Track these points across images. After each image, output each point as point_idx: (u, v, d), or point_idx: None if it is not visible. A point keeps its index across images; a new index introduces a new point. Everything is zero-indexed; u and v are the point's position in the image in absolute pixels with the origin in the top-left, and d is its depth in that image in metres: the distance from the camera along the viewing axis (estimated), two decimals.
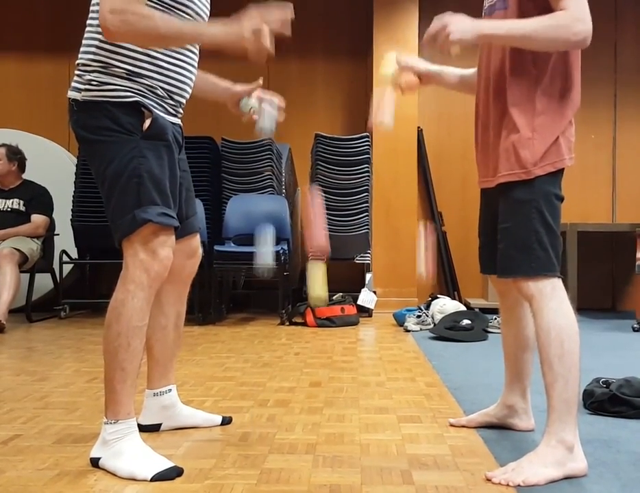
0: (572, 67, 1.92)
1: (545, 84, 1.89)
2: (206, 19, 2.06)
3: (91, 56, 1.89)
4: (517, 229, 1.90)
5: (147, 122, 1.88)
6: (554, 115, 1.89)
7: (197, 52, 2.08)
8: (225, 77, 2.33)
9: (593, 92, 6.15)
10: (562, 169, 1.92)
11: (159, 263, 1.88)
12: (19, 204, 5.30)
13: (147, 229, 1.87)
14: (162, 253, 1.89)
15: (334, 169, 5.66)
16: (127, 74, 1.88)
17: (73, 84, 1.92)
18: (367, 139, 5.72)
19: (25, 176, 5.42)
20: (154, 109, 1.91)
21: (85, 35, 1.92)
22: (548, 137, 1.88)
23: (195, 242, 2.23)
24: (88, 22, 1.92)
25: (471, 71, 2.22)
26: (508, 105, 1.92)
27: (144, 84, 1.90)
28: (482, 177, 2.07)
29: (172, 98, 1.99)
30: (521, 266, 1.89)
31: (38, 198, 5.36)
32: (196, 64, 2.08)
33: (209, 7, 2.08)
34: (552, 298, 1.86)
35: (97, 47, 1.88)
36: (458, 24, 1.83)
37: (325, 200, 5.60)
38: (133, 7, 1.75)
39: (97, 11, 1.84)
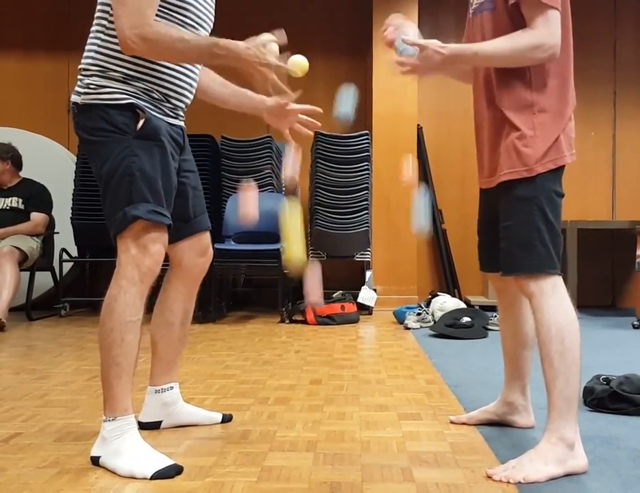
0: (565, 66, 1.94)
1: (540, 84, 1.91)
2: (210, 25, 2.08)
3: (90, 61, 1.93)
4: (518, 226, 1.90)
5: (140, 123, 1.90)
6: (553, 114, 1.90)
7: None
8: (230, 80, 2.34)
9: (592, 89, 6.15)
10: (563, 166, 1.92)
11: (150, 259, 1.90)
12: (18, 202, 5.29)
13: (138, 225, 1.89)
14: (152, 248, 1.91)
15: (334, 167, 5.66)
16: (123, 77, 1.91)
17: (75, 88, 1.96)
18: (367, 137, 5.72)
19: (24, 174, 5.41)
20: (149, 110, 1.93)
21: (88, 40, 1.97)
22: (549, 136, 1.89)
23: (205, 240, 2.24)
24: (91, 28, 1.96)
25: None
26: (505, 106, 1.93)
27: (140, 87, 1.93)
28: (482, 177, 2.07)
29: (169, 101, 2.01)
30: (523, 263, 1.89)
31: (37, 196, 5.35)
32: (197, 70, 2.09)
33: (213, 13, 2.09)
34: (552, 295, 1.87)
35: (96, 52, 1.93)
36: (427, 55, 1.89)
37: (325, 198, 5.61)
38: (151, 24, 1.80)
39: (101, 18, 1.92)
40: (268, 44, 1.90)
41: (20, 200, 5.30)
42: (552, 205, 1.90)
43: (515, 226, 1.91)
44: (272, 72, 1.89)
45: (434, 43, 1.91)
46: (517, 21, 1.88)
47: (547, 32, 1.83)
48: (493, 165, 1.98)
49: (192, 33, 1.94)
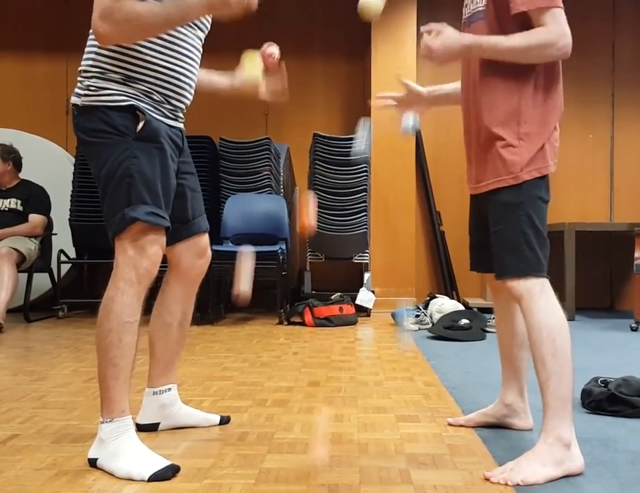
0: (554, 74, 1.96)
1: (528, 93, 1.92)
2: (207, 25, 2.08)
3: (90, 62, 1.94)
4: (506, 231, 1.93)
5: (140, 125, 1.90)
6: (539, 123, 1.93)
7: (198, 59, 2.09)
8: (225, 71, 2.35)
9: (591, 91, 6.16)
10: (547, 174, 1.95)
11: (147, 260, 1.90)
12: (17, 203, 5.29)
13: (136, 227, 1.89)
14: (150, 250, 1.91)
15: (332, 169, 5.66)
16: (123, 79, 1.92)
17: (75, 90, 1.97)
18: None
19: (23, 175, 5.41)
20: (149, 112, 1.93)
21: (87, 42, 1.97)
22: (534, 145, 1.92)
23: (203, 242, 2.24)
24: (90, 30, 1.94)
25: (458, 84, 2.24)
26: (491, 116, 1.95)
27: (140, 89, 1.93)
28: (470, 183, 2.11)
29: (169, 103, 2.01)
30: (510, 266, 1.92)
31: (36, 198, 5.35)
32: (195, 70, 2.09)
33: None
34: (541, 297, 1.89)
35: (96, 53, 1.93)
36: (446, 43, 1.91)
37: (324, 200, 5.61)
38: (119, 6, 1.78)
39: None
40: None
41: (19, 202, 5.30)
42: (538, 210, 1.93)
43: (503, 232, 1.94)
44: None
45: (452, 32, 1.92)
46: (508, 31, 1.89)
47: (560, 31, 1.85)
48: (480, 173, 2.01)
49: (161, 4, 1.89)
